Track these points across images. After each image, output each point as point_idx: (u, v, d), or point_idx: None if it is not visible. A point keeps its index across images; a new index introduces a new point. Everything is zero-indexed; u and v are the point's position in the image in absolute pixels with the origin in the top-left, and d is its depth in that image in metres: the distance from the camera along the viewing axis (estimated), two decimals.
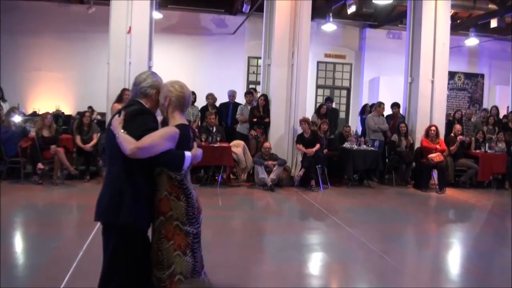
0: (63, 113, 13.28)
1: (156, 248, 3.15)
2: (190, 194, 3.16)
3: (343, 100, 18.16)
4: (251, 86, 15.37)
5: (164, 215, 3.13)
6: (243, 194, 9.87)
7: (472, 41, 16.74)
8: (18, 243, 6.01)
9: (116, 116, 3.13)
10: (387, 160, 11.39)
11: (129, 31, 10.25)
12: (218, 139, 10.22)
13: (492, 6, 15.44)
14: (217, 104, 11.66)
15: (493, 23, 15.17)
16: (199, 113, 11.19)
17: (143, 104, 3.22)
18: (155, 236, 3.18)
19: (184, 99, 3.25)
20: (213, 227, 6.79)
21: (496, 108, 13.70)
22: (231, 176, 10.71)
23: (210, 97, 11.35)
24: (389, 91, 14.53)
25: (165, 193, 3.12)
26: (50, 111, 11.25)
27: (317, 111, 12.17)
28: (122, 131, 3.01)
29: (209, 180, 10.39)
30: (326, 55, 17.78)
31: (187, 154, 3.10)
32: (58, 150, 9.44)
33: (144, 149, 2.95)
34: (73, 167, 9.79)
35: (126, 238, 3.13)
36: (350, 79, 18.17)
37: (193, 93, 10.76)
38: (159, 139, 3.00)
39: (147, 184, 3.13)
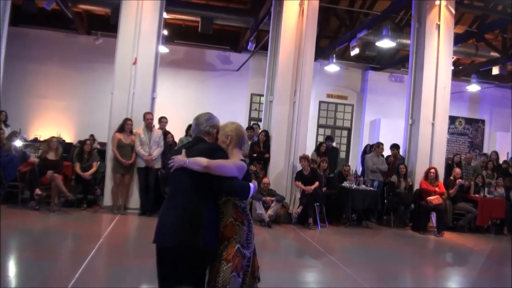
0: (63, 140, 13.30)
1: (216, 270, 3.39)
2: (251, 220, 3.56)
3: (344, 140, 18.27)
4: (253, 122, 15.50)
5: (229, 239, 3.44)
6: None
7: (473, 87, 16.94)
8: (12, 267, 5.95)
9: (179, 156, 3.51)
10: (385, 200, 11.36)
11: (134, 62, 10.37)
12: None
13: (494, 54, 15.67)
14: None
15: (495, 70, 15.41)
16: None
17: (206, 141, 3.71)
18: (217, 259, 3.42)
19: (243, 137, 3.76)
20: None
21: (496, 153, 13.75)
22: None
23: None
24: (389, 133, 14.62)
25: (231, 219, 3.47)
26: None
27: (317, 149, 12.21)
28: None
29: None
30: (328, 95, 17.98)
31: (251, 184, 3.52)
32: (55, 176, 9.42)
33: (217, 166, 3.37)
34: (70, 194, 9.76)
35: (198, 259, 3.43)
36: (351, 120, 18.32)
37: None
38: (231, 164, 3.46)
39: (215, 211, 3.49)
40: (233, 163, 3.47)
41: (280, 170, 10.97)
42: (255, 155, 10.88)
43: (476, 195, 11.80)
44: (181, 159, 3.45)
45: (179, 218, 3.43)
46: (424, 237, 10.48)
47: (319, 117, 18.02)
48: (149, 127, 10.07)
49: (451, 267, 8.58)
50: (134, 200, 10.29)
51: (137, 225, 9.53)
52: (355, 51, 13.93)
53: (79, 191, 10.23)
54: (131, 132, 10.06)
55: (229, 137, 3.67)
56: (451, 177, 11.64)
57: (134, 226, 9.49)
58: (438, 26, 12.09)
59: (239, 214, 3.48)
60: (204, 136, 3.71)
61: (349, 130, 18.37)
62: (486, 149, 18.13)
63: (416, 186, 11.42)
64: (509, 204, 11.78)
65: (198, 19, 13.67)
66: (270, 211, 9.96)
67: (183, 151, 3.53)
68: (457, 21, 15.03)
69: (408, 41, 13.08)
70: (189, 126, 11.09)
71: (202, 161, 3.35)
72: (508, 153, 13.91)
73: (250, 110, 17.37)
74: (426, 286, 6.98)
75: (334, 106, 18.18)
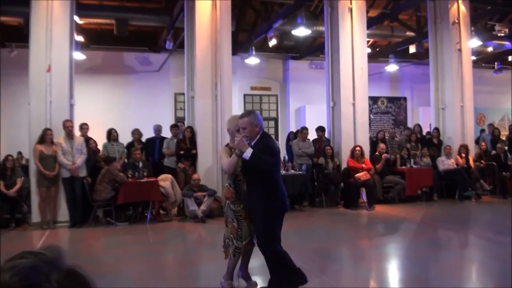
0: None
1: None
2: None
3: (272, 130, 18.40)
4: (177, 121, 15.34)
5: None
6: (174, 228, 9.72)
7: (392, 67, 17.51)
8: None
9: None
10: (316, 183, 11.53)
11: (48, 69, 10.02)
12: (145, 174, 10.08)
13: (409, 33, 16.19)
14: (144, 139, 11.57)
15: (412, 49, 15.95)
16: (125, 150, 11.02)
17: None
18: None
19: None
20: (145, 263, 6.72)
21: (419, 126, 14.27)
22: (161, 211, 10.50)
23: (136, 133, 11.24)
24: (315, 118, 14.80)
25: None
26: None
27: None
28: None
29: (139, 217, 10.17)
30: (252, 88, 18.10)
31: None
32: None
33: None
34: None
35: None
36: (277, 110, 18.53)
37: (113, 130, 10.84)
38: None
39: None
40: None
41: (209, 165, 10.95)
42: (182, 152, 10.77)
43: (403, 167, 12.18)
44: None
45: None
46: (356, 213, 10.74)
47: (244, 110, 18.06)
48: (69, 135, 9.74)
49: (385, 236, 8.86)
50: (63, 213, 9.93)
51: (68, 237, 9.24)
52: (272, 42, 14.07)
53: (6, 211, 9.80)
54: (52, 142, 9.70)
55: None
56: (377, 153, 11.98)
57: (65, 239, 9.18)
58: (351, 9, 12.39)
59: None
60: None
61: (276, 120, 18.56)
62: (410, 125, 18.67)
63: (344, 165, 11.68)
64: (436, 172, 12.31)
65: (113, 21, 13.44)
66: (203, 206, 9.88)
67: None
68: (371, 5, 15.47)
69: (324, 28, 13.28)
70: (110, 131, 10.90)
71: None
72: (430, 124, 14.43)
73: (175, 110, 17.16)
74: (364, 257, 7.19)
75: (259, 98, 18.33)
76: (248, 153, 4.50)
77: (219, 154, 10.55)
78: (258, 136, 4.70)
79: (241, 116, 4.78)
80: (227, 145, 5.12)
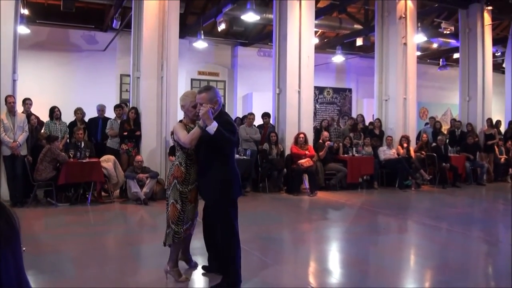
0: None
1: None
2: None
3: None
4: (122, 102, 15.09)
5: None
6: (116, 210, 9.55)
7: (338, 58, 17.79)
8: None
9: None
10: (259, 168, 11.61)
11: None
12: (87, 154, 9.85)
13: (357, 26, 16.46)
14: (87, 119, 11.34)
15: (359, 41, 16.28)
16: (68, 129, 10.78)
17: None
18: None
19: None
20: (85, 243, 6.59)
21: (362, 116, 14.60)
22: (103, 193, 10.30)
23: (79, 112, 11.00)
24: (262, 105, 14.85)
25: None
26: None
27: None
28: None
29: (80, 199, 9.94)
30: (200, 73, 17.98)
31: None
32: None
33: None
34: None
35: None
36: (224, 96, 18.44)
37: (56, 108, 10.57)
38: None
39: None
40: None
41: (153, 147, 10.83)
42: (125, 133, 10.59)
43: (345, 155, 12.42)
44: None
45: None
46: (298, 198, 10.89)
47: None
48: (11, 111, 9.32)
49: (325, 220, 9.00)
50: (4, 192, 9.56)
51: None
52: (221, 26, 14.03)
53: None
54: None
55: None
56: (320, 140, 12.17)
57: None
58: None
59: None
60: None
61: (223, 106, 18.44)
62: (354, 116, 19.07)
63: (288, 152, 11.81)
64: (377, 161, 12.65)
65: None
66: (145, 189, 9.77)
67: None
68: None
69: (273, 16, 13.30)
70: (53, 109, 10.63)
71: None
72: (373, 115, 14.78)
73: (121, 91, 16.85)
74: (304, 239, 7.30)
75: (206, 83, 18.18)
76: (213, 127, 4.20)
77: (169, 133, 10.47)
78: (216, 113, 4.41)
79: (199, 92, 4.50)
80: (180, 121, 4.78)
